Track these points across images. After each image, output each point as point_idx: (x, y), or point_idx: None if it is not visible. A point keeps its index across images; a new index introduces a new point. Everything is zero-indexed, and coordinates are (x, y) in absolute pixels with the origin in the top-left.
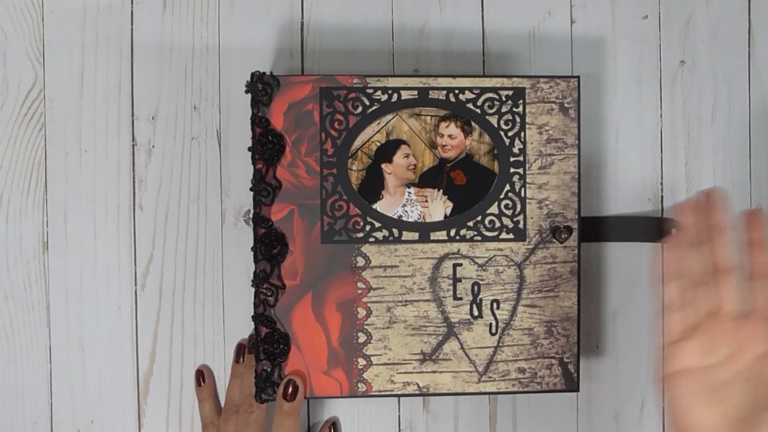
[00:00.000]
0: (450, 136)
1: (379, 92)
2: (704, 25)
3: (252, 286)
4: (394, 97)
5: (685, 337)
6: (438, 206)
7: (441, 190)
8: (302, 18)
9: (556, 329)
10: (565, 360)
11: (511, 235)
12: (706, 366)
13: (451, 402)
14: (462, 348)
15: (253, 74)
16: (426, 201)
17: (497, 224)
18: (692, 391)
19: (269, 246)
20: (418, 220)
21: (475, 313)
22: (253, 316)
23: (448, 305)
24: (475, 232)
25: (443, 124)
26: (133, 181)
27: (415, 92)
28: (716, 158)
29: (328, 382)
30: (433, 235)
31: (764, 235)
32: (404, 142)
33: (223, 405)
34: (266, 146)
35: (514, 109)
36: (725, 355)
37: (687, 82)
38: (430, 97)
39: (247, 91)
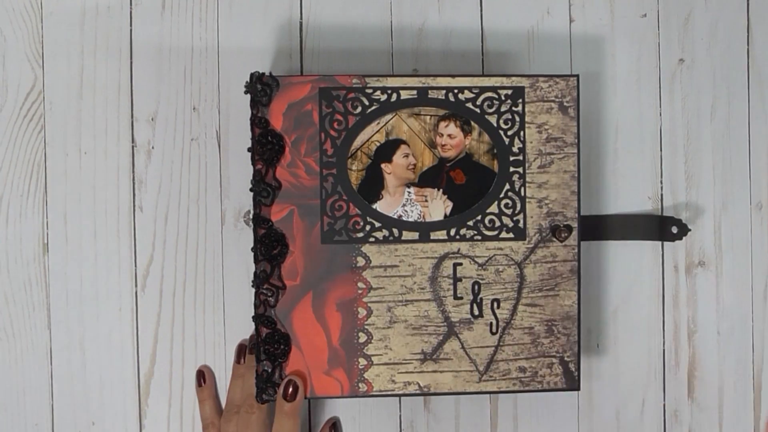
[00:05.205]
0: (449, 135)
1: (378, 92)
2: (703, 23)
3: (252, 286)
4: (394, 97)
5: None
6: (438, 206)
7: (441, 190)
8: (301, 18)
9: (557, 328)
10: (565, 359)
11: (511, 235)
12: None
13: (452, 401)
14: (463, 347)
15: (252, 75)
16: (426, 201)
17: (497, 223)
18: None
19: (269, 246)
20: (418, 220)
21: (476, 312)
22: (253, 317)
23: (449, 305)
24: (475, 232)
25: (443, 124)
26: (133, 183)
27: (415, 92)
28: (715, 156)
29: (328, 382)
30: (433, 235)
31: None
32: (404, 142)
33: (224, 405)
34: (266, 147)
35: (514, 109)
36: None
37: (686, 81)
38: (429, 96)
39: (246, 92)
